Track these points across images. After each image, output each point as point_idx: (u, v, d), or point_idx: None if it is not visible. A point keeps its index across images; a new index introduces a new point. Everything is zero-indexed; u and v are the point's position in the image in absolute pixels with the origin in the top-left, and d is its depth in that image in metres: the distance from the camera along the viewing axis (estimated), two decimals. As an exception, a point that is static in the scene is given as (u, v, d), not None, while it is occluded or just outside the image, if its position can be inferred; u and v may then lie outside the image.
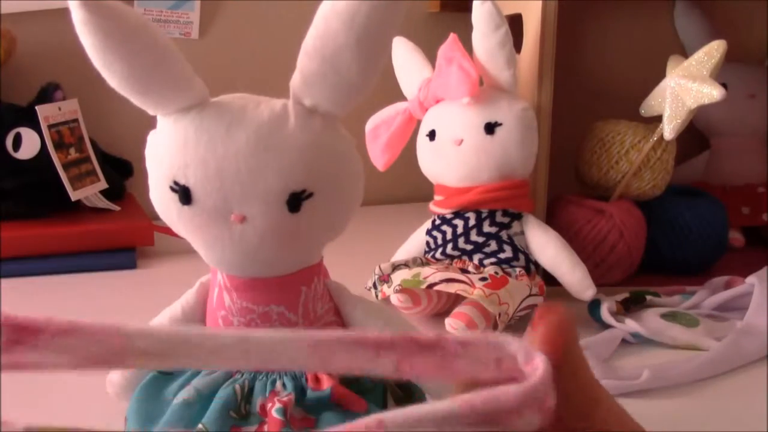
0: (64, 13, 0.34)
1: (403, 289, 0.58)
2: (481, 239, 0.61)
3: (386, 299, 0.59)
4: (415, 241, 0.66)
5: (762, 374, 0.53)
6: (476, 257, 0.61)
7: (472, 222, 0.61)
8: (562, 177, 0.70)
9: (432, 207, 0.64)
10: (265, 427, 0.36)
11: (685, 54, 0.69)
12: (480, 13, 0.59)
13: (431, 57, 0.64)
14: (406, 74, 0.67)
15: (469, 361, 0.21)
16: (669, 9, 0.85)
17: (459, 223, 0.62)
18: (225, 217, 0.34)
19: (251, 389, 0.37)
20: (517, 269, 0.60)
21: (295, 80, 0.34)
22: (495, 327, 0.56)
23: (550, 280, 0.61)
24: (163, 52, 0.33)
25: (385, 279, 0.60)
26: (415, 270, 0.59)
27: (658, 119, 0.65)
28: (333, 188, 0.35)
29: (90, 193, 0.81)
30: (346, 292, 0.39)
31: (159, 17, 0.97)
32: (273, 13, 1.03)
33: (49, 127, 0.78)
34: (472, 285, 0.56)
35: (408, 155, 0.67)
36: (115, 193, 0.88)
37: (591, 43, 0.84)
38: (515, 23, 0.65)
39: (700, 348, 0.56)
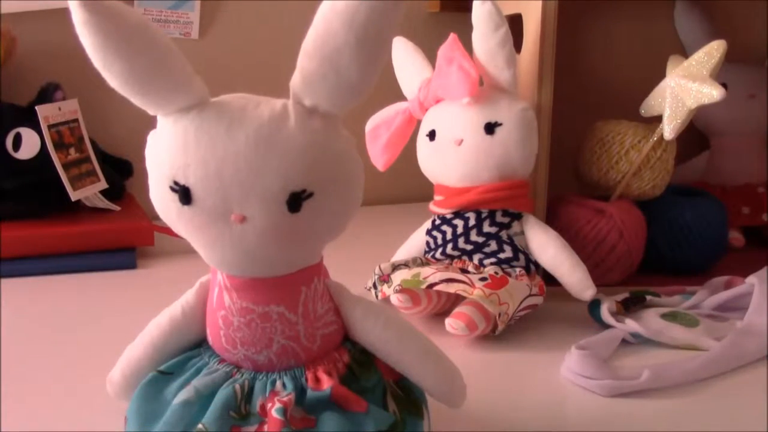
0: (64, 13, 0.34)
1: (403, 289, 0.58)
2: (481, 239, 0.61)
3: (386, 299, 0.59)
4: (415, 241, 0.66)
5: (762, 374, 0.53)
6: (476, 257, 0.61)
7: (472, 222, 0.61)
8: (562, 177, 0.70)
9: (432, 207, 0.64)
10: (265, 427, 0.36)
11: (685, 54, 0.69)
12: (480, 13, 0.59)
13: (431, 57, 0.64)
14: (406, 74, 0.67)
15: None
16: (669, 9, 0.85)
17: (459, 223, 0.62)
18: (225, 217, 0.34)
19: (251, 389, 0.37)
20: (517, 269, 0.60)
21: (295, 80, 0.34)
22: (495, 327, 0.56)
23: (550, 280, 0.61)
24: (163, 52, 0.33)
25: (385, 279, 0.60)
26: (415, 270, 0.59)
27: (658, 119, 0.65)
28: (333, 188, 0.35)
29: (90, 193, 0.81)
30: (346, 292, 0.39)
31: (159, 17, 0.97)
32: (273, 13, 1.03)
33: (49, 127, 0.78)
34: (472, 285, 0.56)
35: (408, 155, 0.67)
36: (115, 193, 0.88)
37: (591, 43, 0.84)
38: (515, 23, 0.65)
39: (700, 348, 0.56)
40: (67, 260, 0.75)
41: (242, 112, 0.34)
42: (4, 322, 0.61)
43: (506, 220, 0.61)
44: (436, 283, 0.56)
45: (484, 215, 0.61)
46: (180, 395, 0.37)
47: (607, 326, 0.59)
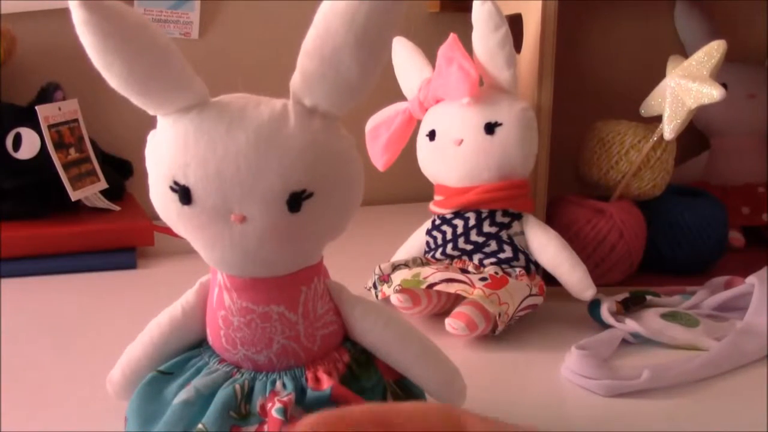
0: (64, 13, 0.34)
1: (403, 289, 0.58)
2: (481, 239, 0.61)
3: (386, 299, 0.59)
4: (415, 241, 0.66)
5: (762, 374, 0.53)
6: (476, 257, 0.61)
7: (472, 222, 0.61)
8: (562, 177, 0.70)
9: (432, 207, 0.64)
10: (265, 427, 0.36)
11: (685, 54, 0.69)
12: (480, 14, 0.59)
13: (431, 57, 0.64)
14: (406, 74, 0.67)
15: None
16: (669, 9, 0.85)
17: (459, 223, 0.62)
18: (225, 217, 0.34)
19: (251, 389, 0.37)
20: (517, 269, 0.60)
21: (295, 80, 0.34)
22: (495, 327, 0.56)
23: (550, 280, 0.61)
24: (163, 52, 0.33)
25: (385, 279, 0.60)
26: (415, 270, 0.59)
27: (658, 119, 0.65)
28: (333, 188, 0.35)
29: (90, 193, 0.81)
30: (346, 292, 0.39)
31: (159, 17, 0.97)
32: (273, 13, 1.03)
33: (49, 127, 0.78)
34: (472, 285, 0.56)
35: (408, 155, 0.67)
36: (115, 193, 0.88)
37: (591, 43, 0.84)
38: (515, 23, 0.65)
39: (700, 348, 0.56)
40: (67, 260, 0.75)
41: (242, 112, 0.34)
42: (4, 322, 0.61)
43: (506, 220, 0.61)
44: (436, 283, 0.56)
45: (484, 215, 0.61)
46: (180, 395, 0.37)
47: (607, 326, 0.58)
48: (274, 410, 0.35)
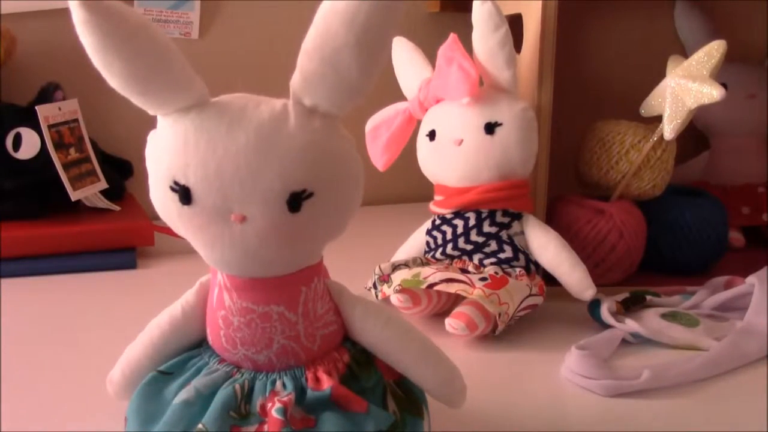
0: (64, 13, 0.34)
1: (403, 289, 0.58)
2: (481, 239, 0.61)
3: (386, 299, 0.59)
4: (415, 241, 0.66)
5: (762, 374, 0.53)
6: (476, 257, 0.61)
7: (472, 222, 0.61)
8: (562, 177, 0.70)
9: (432, 207, 0.64)
10: (265, 427, 0.36)
11: (685, 54, 0.69)
12: (480, 13, 0.59)
13: (431, 57, 0.64)
14: (406, 74, 0.67)
15: None
16: (669, 9, 0.85)
17: (459, 223, 0.62)
18: (225, 217, 0.34)
19: (251, 389, 0.37)
20: (517, 269, 0.60)
21: (295, 80, 0.34)
22: (495, 327, 0.56)
23: (550, 280, 0.62)
24: (163, 51, 0.33)
25: (385, 279, 0.60)
26: (415, 270, 0.59)
27: (658, 119, 0.65)
28: (333, 188, 0.35)
29: (90, 193, 0.81)
30: (346, 292, 0.39)
31: (159, 17, 0.97)
32: (273, 13, 1.03)
33: (49, 127, 0.78)
34: (472, 285, 0.56)
35: (408, 155, 0.67)
36: (115, 193, 0.88)
37: (591, 43, 0.84)
38: (515, 23, 0.65)
39: (700, 348, 0.56)
40: (67, 260, 0.75)
41: (242, 112, 0.34)
42: (4, 322, 0.61)
43: (506, 220, 0.61)
44: (436, 283, 0.56)
45: (484, 215, 0.61)
46: (180, 395, 0.37)
47: (607, 326, 0.59)
48: (274, 410, 0.35)
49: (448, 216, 0.63)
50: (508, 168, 0.60)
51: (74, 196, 0.78)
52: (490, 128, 0.59)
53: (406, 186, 0.99)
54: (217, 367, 0.38)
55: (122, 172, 0.94)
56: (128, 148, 0.93)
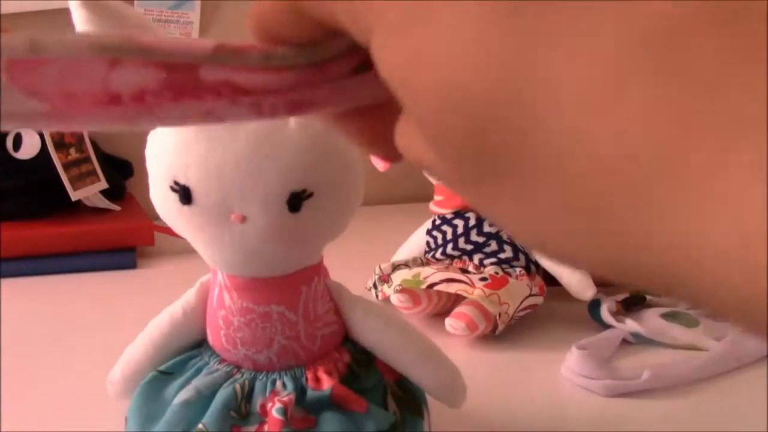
0: (64, 13, 0.34)
1: (403, 289, 0.58)
2: (481, 239, 0.61)
3: (386, 299, 0.59)
4: (415, 241, 0.66)
5: (762, 374, 0.53)
6: (476, 257, 0.61)
7: (472, 222, 0.61)
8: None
9: (432, 207, 0.64)
10: (266, 427, 0.36)
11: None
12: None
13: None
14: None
15: None
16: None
17: (459, 223, 0.62)
18: (225, 217, 0.34)
19: (251, 389, 0.37)
20: (518, 269, 0.60)
21: (296, 80, 0.34)
22: (495, 327, 0.56)
23: (550, 280, 0.61)
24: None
25: (385, 279, 0.60)
26: (416, 270, 0.59)
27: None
28: (333, 188, 0.35)
29: (90, 193, 0.81)
30: (346, 292, 0.39)
31: (159, 17, 0.97)
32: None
33: (49, 126, 0.78)
34: (472, 285, 0.56)
35: (408, 155, 0.67)
36: (115, 193, 0.88)
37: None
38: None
39: (700, 348, 0.56)
40: (67, 260, 0.75)
41: (242, 111, 0.34)
42: (4, 322, 0.61)
43: (506, 220, 0.61)
44: (436, 283, 0.56)
45: (484, 215, 0.61)
46: (180, 395, 0.37)
47: (607, 326, 0.58)
48: (275, 410, 0.35)
49: (448, 216, 0.63)
50: (508, 168, 0.60)
51: (74, 196, 0.78)
52: (490, 128, 0.59)
53: (406, 186, 0.99)
54: (217, 367, 0.38)
55: (122, 172, 0.93)
56: (128, 148, 0.93)
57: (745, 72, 0.11)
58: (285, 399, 0.36)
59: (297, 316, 0.37)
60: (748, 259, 0.11)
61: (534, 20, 0.13)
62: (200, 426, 0.35)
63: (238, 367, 0.38)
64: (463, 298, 0.57)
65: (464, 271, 0.59)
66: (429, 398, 0.41)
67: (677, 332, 0.57)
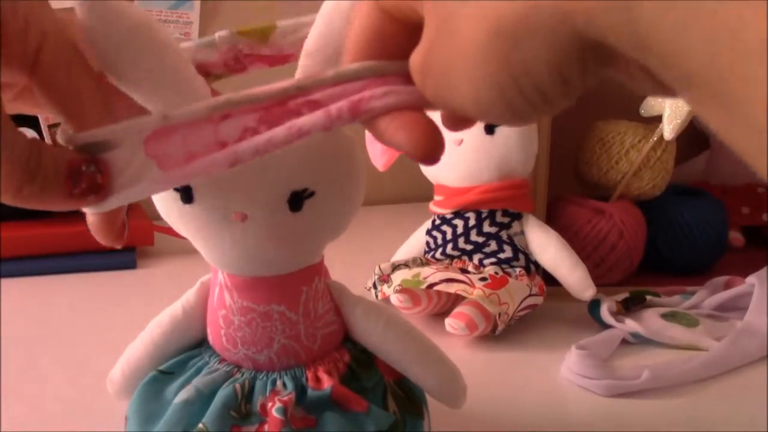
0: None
1: (403, 289, 0.58)
2: (481, 239, 0.61)
3: (386, 299, 0.59)
4: (415, 241, 0.66)
5: (762, 374, 0.53)
6: (476, 257, 0.61)
7: (472, 222, 0.61)
8: (562, 177, 0.70)
9: (432, 207, 0.64)
10: (266, 427, 0.36)
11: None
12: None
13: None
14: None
15: None
16: (669, 9, 0.85)
17: (459, 223, 0.62)
18: (226, 216, 0.34)
19: (252, 388, 0.37)
20: (517, 269, 0.60)
21: (296, 80, 0.34)
22: (495, 327, 0.56)
23: (550, 280, 0.62)
24: (163, 51, 0.33)
25: (385, 279, 0.60)
26: (415, 270, 0.59)
27: (658, 119, 0.65)
28: (334, 187, 0.35)
29: (90, 193, 0.81)
30: (346, 292, 0.39)
31: (159, 17, 0.97)
32: (273, 13, 1.03)
33: (49, 127, 0.78)
34: (472, 285, 0.56)
35: (408, 155, 0.67)
36: (115, 193, 0.88)
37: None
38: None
39: (700, 348, 0.56)
40: (67, 260, 0.75)
41: (243, 111, 0.34)
42: (4, 322, 0.61)
43: (506, 220, 0.61)
44: (436, 283, 0.56)
45: (484, 215, 0.61)
46: (180, 395, 0.37)
47: (607, 326, 0.59)
48: (275, 410, 0.35)
49: (448, 216, 0.63)
50: (508, 168, 0.60)
51: (74, 196, 0.78)
52: (490, 128, 0.59)
53: (406, 186, 0.99)
54: (217, 367, 0.38)
55: (122, 172, 0.93)
56: (128, 148, 0.93)
57: None
58: (285, 398, 0.36)
59: (297, 315, 0.37)
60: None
61: None
62: (200, 426, 0.35)
63: (239, 367, 0.38)
64: (463, 298, 0.57)
65: (464, 271, 0.59)
66: (429, 398, 0.41)
67: (677, 332, 0.57)
